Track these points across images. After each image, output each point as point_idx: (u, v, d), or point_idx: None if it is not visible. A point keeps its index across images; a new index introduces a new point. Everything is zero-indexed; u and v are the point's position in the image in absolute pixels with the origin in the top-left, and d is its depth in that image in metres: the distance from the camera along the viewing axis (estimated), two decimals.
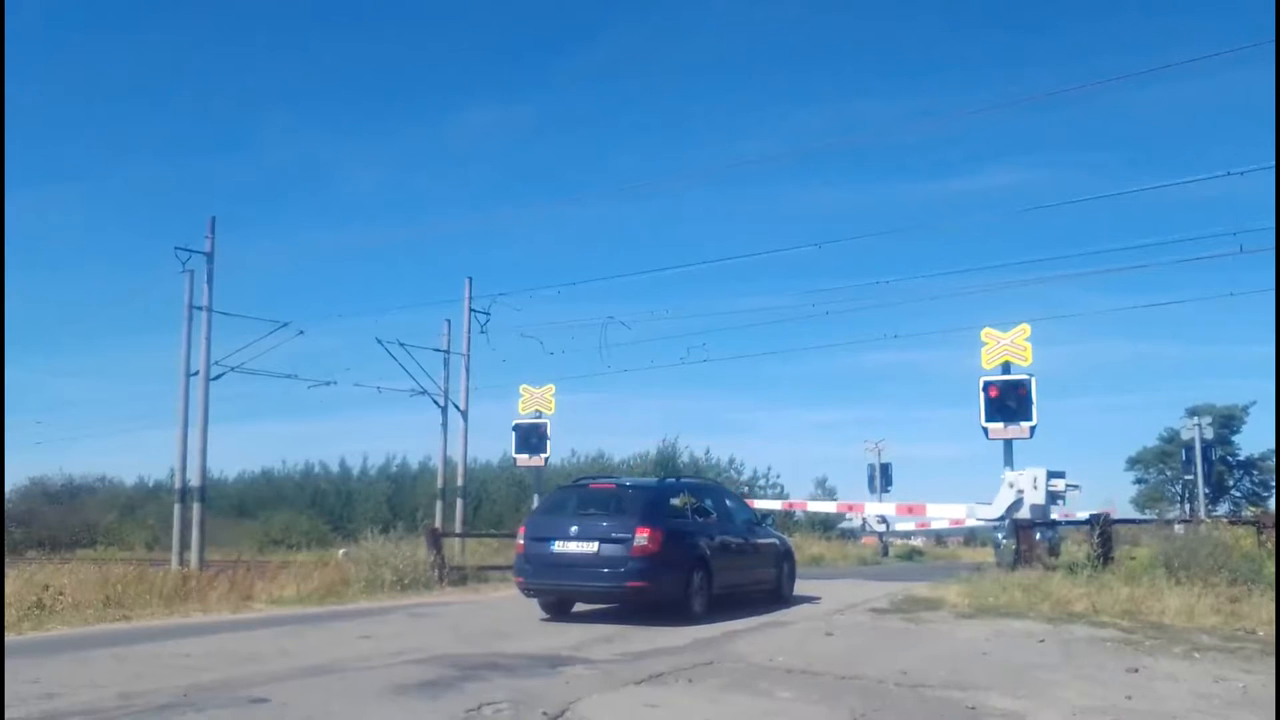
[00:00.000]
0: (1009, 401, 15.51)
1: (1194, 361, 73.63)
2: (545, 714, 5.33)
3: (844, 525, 37.37)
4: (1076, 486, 16.02)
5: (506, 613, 11.13)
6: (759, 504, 28.09)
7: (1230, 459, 49.79)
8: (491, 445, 47.55)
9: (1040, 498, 15.51)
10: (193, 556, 19.80)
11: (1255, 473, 50.91)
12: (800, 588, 13.34)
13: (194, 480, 20.80)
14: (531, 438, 21.81)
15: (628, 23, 75.49)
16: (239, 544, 32.56)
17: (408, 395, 24.31)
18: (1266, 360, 51.06)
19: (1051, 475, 15.64)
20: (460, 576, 15.49)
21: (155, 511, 39.19)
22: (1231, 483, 50.93)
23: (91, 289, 72.11)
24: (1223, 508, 44.69)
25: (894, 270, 46.10)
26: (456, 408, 24.56)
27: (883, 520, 31.83)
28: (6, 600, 10.40)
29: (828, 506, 35.36)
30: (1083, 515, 16.64)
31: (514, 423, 22.13)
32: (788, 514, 37.39)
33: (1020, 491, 15.64)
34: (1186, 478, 32.28)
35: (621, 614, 10.42)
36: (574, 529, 10.26)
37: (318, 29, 74.72)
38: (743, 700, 5.89)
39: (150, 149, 77.42)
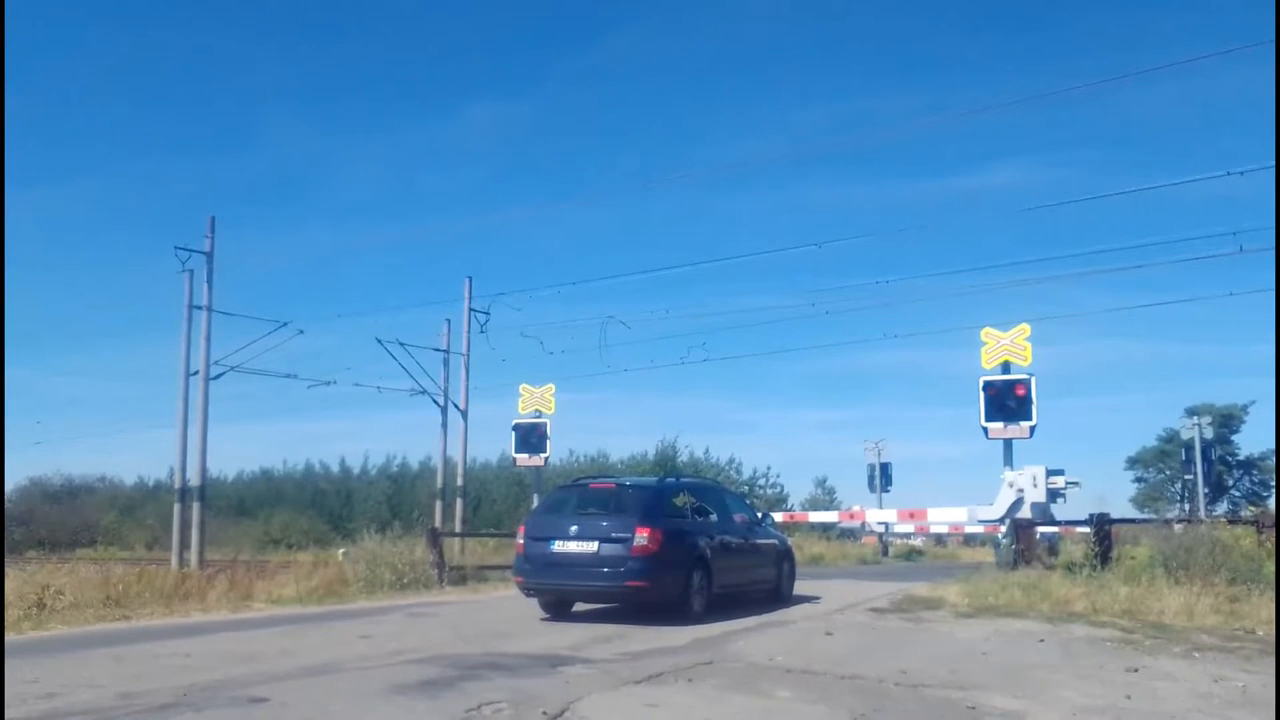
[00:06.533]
0: (1009, 401, 15.56)
1: (1194, 361, 73.74)
2: (545, 713, 5.33)
3: (844, 525, 37.39)
4: (1076, 483, 16.07)
5: (506, 612, 11.12)
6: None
7: (1230, 459, 49.80)
8: (491, 445, 47.68)
9: (1041, 495, 15.55)
10: (192, 556, 19.81)
11: (1255, 472, 50.94)
12: (800, 587, 13.34)
13: (194, 480, 20.82)
14: (531, 437, 21.84)
15: (627, 22, 75.56)
16: (239, 544, 32.69)
17: (408, 395, 24.36)
18: (1266, 360, 51.18)
19: (1050, 473, 15.69)
20: (460, 576, 15.49)
21: (155, 511, 39.22)
22: (1231, 482, 50.95)
23: (91, 289, 72.20)
24: (1222, 507, 44.65)
25: (894, 270, 46.17)
26: (456, 407, 24.58)
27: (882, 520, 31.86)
28: (7, 600, 10.40)
29: (829, 517, 35.43)
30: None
31: (514, 422, 22.17)
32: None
33: (1020, 491, 15.68)
34: (1186, 477, 32.29)
35: (621, 614, 10.41)
36: (574, 528, 10.25)
37: (318, 29, 74.80)
38: (742, 700, 5.88)
39: (150, 149, 77.51)
